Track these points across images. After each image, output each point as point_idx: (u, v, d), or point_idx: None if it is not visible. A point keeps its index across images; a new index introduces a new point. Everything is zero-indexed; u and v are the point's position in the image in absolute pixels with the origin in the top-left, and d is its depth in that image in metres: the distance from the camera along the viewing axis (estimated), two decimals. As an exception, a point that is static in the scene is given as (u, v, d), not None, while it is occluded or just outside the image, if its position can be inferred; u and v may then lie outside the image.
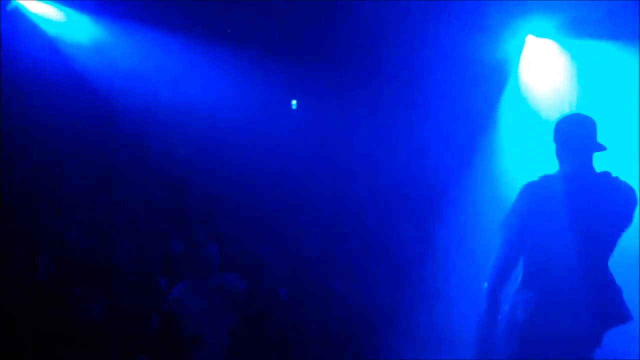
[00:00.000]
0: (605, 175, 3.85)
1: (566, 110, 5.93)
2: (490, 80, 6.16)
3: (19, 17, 6.09)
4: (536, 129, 6.04)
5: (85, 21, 6.37)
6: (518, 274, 3.86)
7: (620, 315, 3.83)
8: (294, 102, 6.88)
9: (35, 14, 6.19)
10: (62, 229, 5.61)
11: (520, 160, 5.93)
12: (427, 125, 6.31)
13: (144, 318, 5.13)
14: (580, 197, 3.76)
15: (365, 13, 6.00)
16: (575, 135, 3.88)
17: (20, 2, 6.05)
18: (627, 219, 3.82)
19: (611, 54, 5.71)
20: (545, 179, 3.85)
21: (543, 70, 6.12)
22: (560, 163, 3.90)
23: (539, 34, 6.12)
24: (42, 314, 4.79)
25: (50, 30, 6.26)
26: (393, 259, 5.67)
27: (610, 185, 3.82)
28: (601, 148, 3.83)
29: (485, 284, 3.84)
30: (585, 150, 3.86)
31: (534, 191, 3.81)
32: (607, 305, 3.82)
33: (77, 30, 6.36)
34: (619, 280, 3.90)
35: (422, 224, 5.92)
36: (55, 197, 5.82)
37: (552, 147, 3.95)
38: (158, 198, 6.14)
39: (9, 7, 6.00)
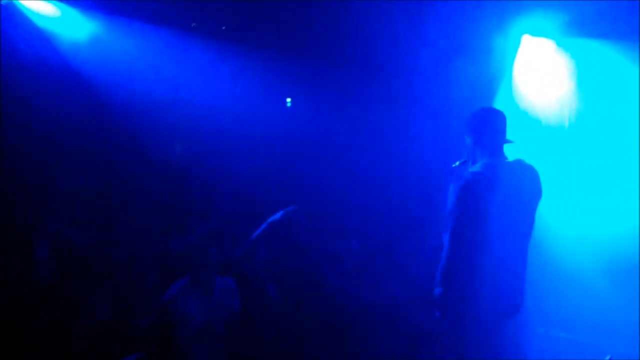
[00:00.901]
0: (519, 162, 4.28)
1: (564, 111, 5.97)
2: (485, 81, 6.12)
3: (14, 12, 6.04)
4: (531, 130, 6.05)
5: (79, 17, 6.32)
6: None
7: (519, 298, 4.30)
8: (288, 99, 6.84)
9: (30, 10, 6.14)
10: (60, 227, 5.58)
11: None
12: (418, 127, 6.30)
13: (140, 316, 5.13)
14: (504, 185, 4.12)
15: (359, 10, 6.01)
16: (491, 127, 4.25)
17: (14, -4, 6.02)
18: (538, 196, 4.28)
19: (609, 53, 5.70)
20: (472, 176, 4.16)
21: (539, 70, 6.11)
22: (479, 155, 4.24)
23: (535, 33, 6.11)
24: (42, 312, 4.79)
25: (45, 26, 6.20)
26: (390, 255, 5.68)
27: (523, 170, 4.28)
28: (510, 140, 4.27)
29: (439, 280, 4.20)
30: (500, 141, 4.25)
31: (466, 189, 4.09)
32: (521, 282, 4.30)
33: (72, 26, 6.31)
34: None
35: (418, 222, 5.94)
36: (53, 194, 5.78)
37: (466, 139, 4.31)
38: (155, 195, 6.13)
39: (4, 1, 5.95)
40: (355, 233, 5.81)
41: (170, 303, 4.83)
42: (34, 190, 5.72)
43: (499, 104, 6.08)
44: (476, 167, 4.21)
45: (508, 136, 4.28)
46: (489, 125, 4.26)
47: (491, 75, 6.23)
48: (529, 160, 4.32)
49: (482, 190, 4.09)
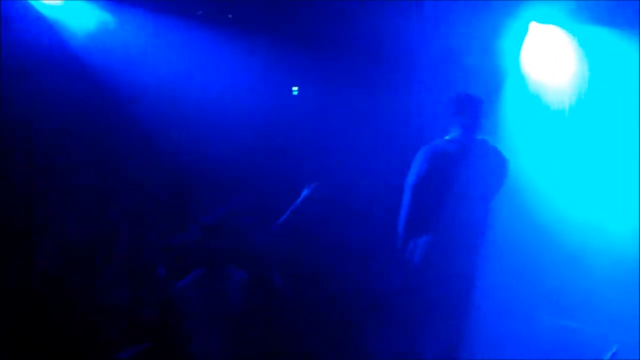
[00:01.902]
0: (484, 141, 4.85)
1: (571, 98, 5.93)
2: (492, 70, 6.07)
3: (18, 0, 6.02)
4: (540, 118, 6.01)
5: (85, 5, 6.29)
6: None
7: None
8: (295, 88, 6.80)
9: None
10: (62, 217, 5.58)
11: (523, 150, 5.91)
12: (424, 115, 6.25)
13: (143, 307, 5.13)
14: (466, 157, 4.72)
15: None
16: (468, 108, 4.85)
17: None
18: (501, 177, 4.88)
19: (617, 41, 5.65)
20: (440, 142, 4.81)
21: (547, 57, 6.05)
22: (452, 131, 4.85)
23: (543, 20, 6.04)
24: (46, 305, 4.80)
25: (51, 14, 6.17)
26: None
27: (489, 149, 4.84)
28: (482, 123, 4.87)
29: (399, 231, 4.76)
30: (473, 121, 4.83)
31: (431, 153, 4.72)
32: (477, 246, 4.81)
33: (78, 15, 6.27)
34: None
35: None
36: (55, 187, 5.78)
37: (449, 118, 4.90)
38: (158, 187, 6.12)
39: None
40: (357, 219, 5.80)
41: (180, 294, 4.85)
42: (37, 183, 5.71)
43: (506, 91, 6.09)
44: (445, 137, 4.86)
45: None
46: (463, 108, 4.86)
47: (499, 62, 6.16)
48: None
49: (444, 156, 4.70)
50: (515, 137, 5.95)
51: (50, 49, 6.01)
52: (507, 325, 5.52)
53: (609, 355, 4.37)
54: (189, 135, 6.41)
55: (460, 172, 4.68)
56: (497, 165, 4.87)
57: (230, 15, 6.35)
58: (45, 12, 6.13)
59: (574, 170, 5.92)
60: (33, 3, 6.05)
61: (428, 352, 4.94)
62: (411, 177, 4.72)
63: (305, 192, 5.64)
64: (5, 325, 4.79)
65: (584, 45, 5.91)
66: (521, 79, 6.13)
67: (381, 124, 6.50)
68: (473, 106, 4.88)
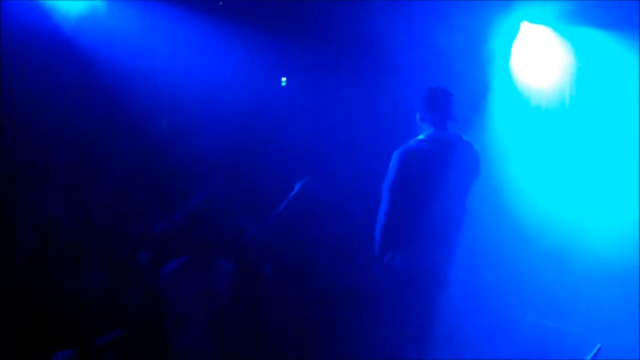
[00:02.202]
0: (457, 136, 4.82)
1: (563, 100, 5.94)
2: (481, 69, 6.07)
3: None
4: (529, 119, 6.02)
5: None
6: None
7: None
8: (283, 79, 6.75)
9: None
10: (41, 201, 5.48)
11: (513, 153, 5.94)
12: (410, 114, 6.24)
13: (123, 293, 5.06)
14: (440, 154, 4.71)
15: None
16: (438, 103, 4.82)
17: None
18: (475, 171, 4.86)
19: (608, 42, 5.67)
20: (414, 143, 4.77)
21: (538, 58, 6.05)
22: (425, 128, 4.83)
23: (534, 20, 6.05)
24: (26, 287, 4.71)
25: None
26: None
27: (462, 144, 4.81)
28: (454, 117, 4.84)
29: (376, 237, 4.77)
30: (443, 116, 4.80)
31: (407, 154, 4.70)
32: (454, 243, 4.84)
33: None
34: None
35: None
36: (35, 168, 5.70)
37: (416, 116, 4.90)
38: (143, 172, 6.05)
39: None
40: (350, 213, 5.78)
41: (163, 283, 4.77)
42: (18, 165, 5.62)
43: (495, 91, 6.09)
44: (418, 137, 4.82)
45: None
46: (432, 103, 4.83)
47: (488, 61, 6.16)
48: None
49: (419, 156, 4.68)
50: (503, 137, 5.98)
51: (43, 33, 5.92)
52: (489, 325, 5.51)
53: (592, 353, 4.36)
54: (176, 122, 6.36)
55: (435, 170, 4.69)
56: (471, 159, 4.84)
57: (220, 3, 6.29)
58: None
59: (560, 171, 5.94)
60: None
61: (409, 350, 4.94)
62: (387, 181, 4.71)
63: (297, 186, 5.60)
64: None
65: (576, 46, 5.92)
66: (510, 78, 6.12)
67: (367, 122, 6.48)
68: (442, 101, 4.85)
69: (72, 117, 5.99)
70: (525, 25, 6.09)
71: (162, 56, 6.35)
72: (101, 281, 5.03)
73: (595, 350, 4.43)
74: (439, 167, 4.68)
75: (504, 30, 6.13)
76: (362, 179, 5.78)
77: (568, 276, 5.71)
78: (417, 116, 4.89)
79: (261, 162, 6.40)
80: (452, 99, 4.86)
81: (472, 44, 6.07)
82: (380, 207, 4.73)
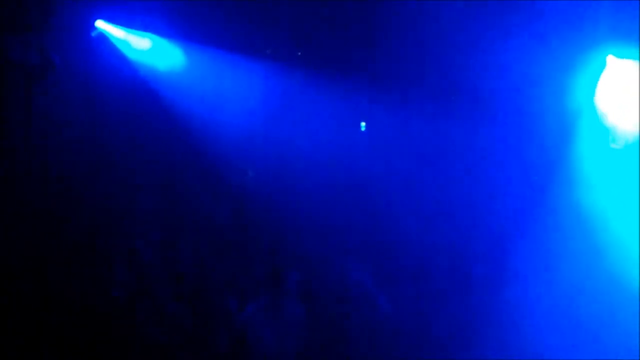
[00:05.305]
0: None
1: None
2: (567, 103, 5.92)
3: (103, 43, 6.38)
4: (615, 154, 5.80)
5: (166, 46, 6.60)
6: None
7: None
8: (363, 124, 6.83)
9: (118, 39, 6.47)
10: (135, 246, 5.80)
11: (600, 190, 5.76)
12: (500, 151, 6.16)
13: (209, 335, 5.26)
14: None
15: (437, 32, 5.99)
16: None
17: (104, 29, 6.36)
18: None
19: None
20: None
21: (623, 90, 5.85)
22: None
23: (620, 55, 5.87)
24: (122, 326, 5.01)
25: (132, 55, 6.51)
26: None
27: None
28: None
29: None
30: None
31: None
32: None
33: (160, 56, 6.59)
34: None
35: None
36: (128, 215, 6.05)
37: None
38: (222, 219, 6.29)
39: (94, 33, 6.30)
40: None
41: (246, 323, 4.96)
42: (113, 211, 5.99)
43: (582, 123, 5.92)
44: None
45: None
46: None
47: (575, 96, 6.01)
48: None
49: None
50: (590, 173, 5.80)
51: (131, 87, 6.35)
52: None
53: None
54: (256, 169, 6.56)
55: None
56: None
57: (299, 53, 6.49)
58: (128, 53, 6.49)
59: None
60: (117, 44, 6.41)
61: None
62: None
63: None
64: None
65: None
66: (596, 114, 5.94)
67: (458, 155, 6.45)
68: None
69: (161, 165, 6.36)
70: (611, 59, 5.90)
71: (251, 107, 6.62)
72: (187, 322, 5.27)
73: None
74: None
75: (590, 65, 5.96)
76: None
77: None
78: None
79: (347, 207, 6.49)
80: None
81: (559, 81, 5.96)
82: None
